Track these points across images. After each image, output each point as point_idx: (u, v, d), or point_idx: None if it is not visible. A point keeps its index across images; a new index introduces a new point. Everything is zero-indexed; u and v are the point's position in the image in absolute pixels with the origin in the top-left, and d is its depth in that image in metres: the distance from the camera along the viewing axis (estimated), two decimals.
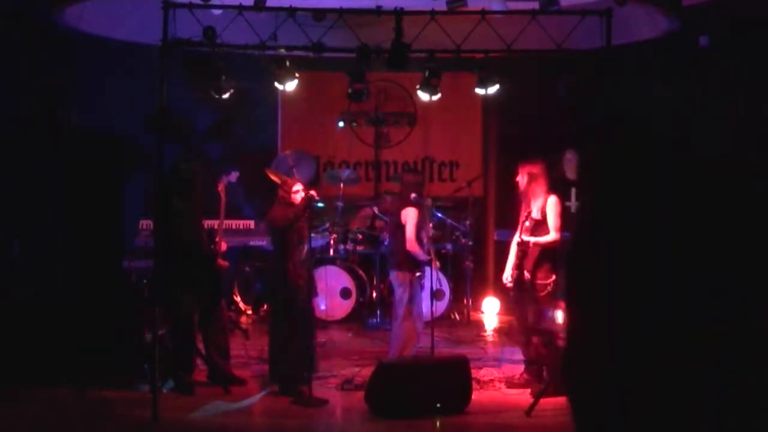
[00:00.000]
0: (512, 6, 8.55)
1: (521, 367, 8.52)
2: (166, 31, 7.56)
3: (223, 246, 8.57)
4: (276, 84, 8.84)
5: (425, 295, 8.73)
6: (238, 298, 11.94)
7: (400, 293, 8.65)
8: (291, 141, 13.01)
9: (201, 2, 7.86)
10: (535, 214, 8.19)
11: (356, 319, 11.49)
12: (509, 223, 9.26)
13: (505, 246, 8.82)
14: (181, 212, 8.07)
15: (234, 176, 8.74)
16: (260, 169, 9.57)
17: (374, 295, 11.66)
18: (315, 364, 8.37)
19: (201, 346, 8.43)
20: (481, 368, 8.90)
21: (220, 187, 8.58)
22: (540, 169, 8.25)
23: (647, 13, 9.04)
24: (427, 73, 8.70)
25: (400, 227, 8.66)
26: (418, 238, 8.64)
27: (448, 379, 7.65)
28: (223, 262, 8.48)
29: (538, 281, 8.10)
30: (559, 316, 8.16)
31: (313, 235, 8.80)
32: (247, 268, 11.97)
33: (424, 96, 8.94)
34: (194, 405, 7.70)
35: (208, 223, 8.65)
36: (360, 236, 11.90)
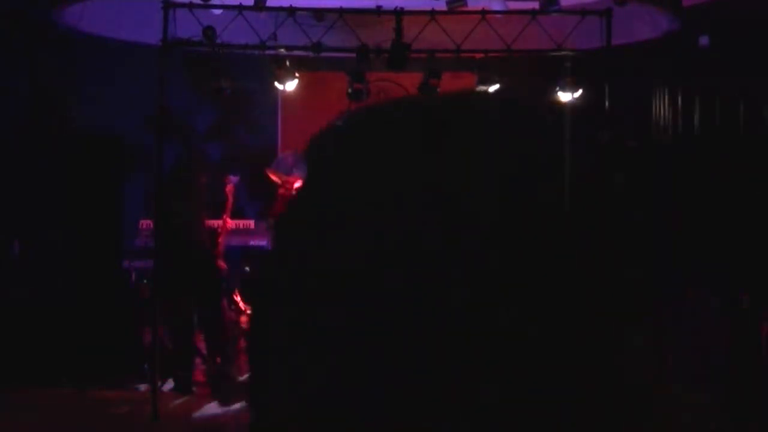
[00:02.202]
0: (512, 6, 8.55)
1: None
2: (166, 31, 7.57)
3: (221, 246, 8.57)
4: (276, 84, 8.85)
5: None
6: (238, 298, 11.93)
7: None
8: (291, 141, 13.00)
9: (201, 2, 7.86)
10: None
11: None
12: None
13: None
14: (181, 213, 8.07)
15: (235, 180, 8.75)
16: (260, 169, 9.57)
17: None
18: None
19: (201, 345, 8.43)
20: None
21: (228, 188, 8.59)
22: None
23: (647, 13, 9.04)
24: (427, 73, 8.70)
25: None
26: None
27: None
28: (222, 264, 8.47)
29: None
30: None
31: None
32: (247, 268, 11.96)
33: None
34: (194, 405, 7.70)
35: (211, 223, 8.65)
36: None
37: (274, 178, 8.66)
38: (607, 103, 8.09)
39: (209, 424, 7.31)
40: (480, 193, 0.57)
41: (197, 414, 7.49)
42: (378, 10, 8.28)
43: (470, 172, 0.57)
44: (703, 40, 9.45)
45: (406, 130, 0.61)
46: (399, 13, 8.06)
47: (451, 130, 0.60)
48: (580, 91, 8.66)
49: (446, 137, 0.60)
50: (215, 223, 8.72)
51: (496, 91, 8.21)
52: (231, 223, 9.05)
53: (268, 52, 8.38)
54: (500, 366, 0.53)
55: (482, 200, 0.57)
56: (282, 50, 8.47)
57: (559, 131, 0.59)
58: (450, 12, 8.27)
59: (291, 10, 8.02)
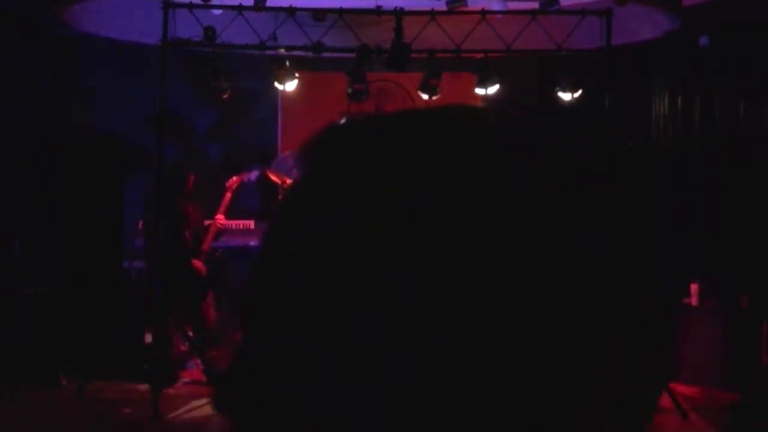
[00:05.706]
0: (512, 6, 8.55)
1: None
2: (166, 31, 7.57)
3: (205, 246, 8.60)
4: (276, 84, 8.85)
5: None
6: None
7: None
8: (291, 141, 13.00)
9: (201, 2, 7.87)
10: None
11: None
12: None
13: None
14: (168, 213, 8.12)
15: (254, 175, 8.78)
16: (260, 169, 9.58)
17: None
18: None
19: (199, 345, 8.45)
20: None
21: (230, 183, 8.61)
22: None
23: (647, 13, 9.04)
24: (427, 73, 8.71)
25: None
26: None
27: None
28: (197, 263, 8.46)
29: None
30: None
31: None
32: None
33: (424, 96, 8.94)
34: (194, 404, 7.70)
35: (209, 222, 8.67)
36: None
37: (274, 178, 8.66)
38: (606, 103, 8.10)
39: (209, 423, 7.31)
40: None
41: (197, 413, 7.49)
42: (378, 10, 8.28)
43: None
44: (703, 40, 9.45)
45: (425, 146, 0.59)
46: (399, 13, 8.07)
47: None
48: (580, 91, 8.67)
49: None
50: (208, 222, 8.74)
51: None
52: (224, 222, 9.04)
53: (268, 52, 8.38)
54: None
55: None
56: (282, 50, 8.47)
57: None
58: (450, 12, 8.27)
59: (291, 10, 8.02)
